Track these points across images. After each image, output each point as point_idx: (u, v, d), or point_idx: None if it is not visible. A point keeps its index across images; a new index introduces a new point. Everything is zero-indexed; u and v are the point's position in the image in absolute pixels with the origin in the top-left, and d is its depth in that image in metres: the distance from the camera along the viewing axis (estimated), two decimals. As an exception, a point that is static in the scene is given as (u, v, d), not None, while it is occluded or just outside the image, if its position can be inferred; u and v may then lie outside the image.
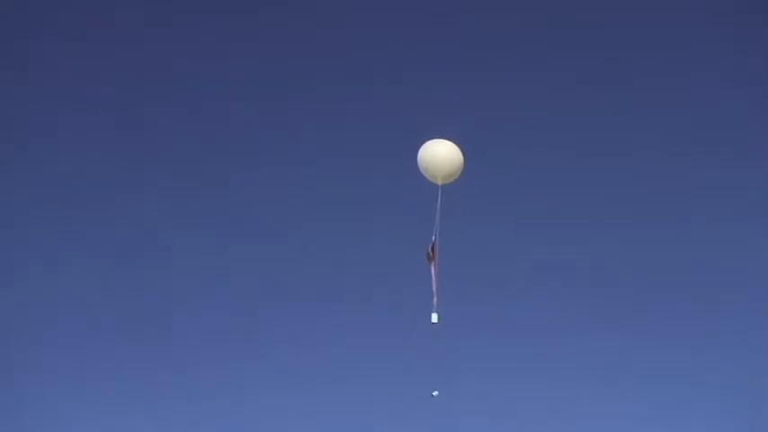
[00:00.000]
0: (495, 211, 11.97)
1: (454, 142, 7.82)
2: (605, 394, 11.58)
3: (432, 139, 7.80)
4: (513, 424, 11.47)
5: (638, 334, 11.64)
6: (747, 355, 11.21)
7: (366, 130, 12.41)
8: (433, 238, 7.34)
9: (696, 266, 11.92)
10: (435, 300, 7.20)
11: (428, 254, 7.31)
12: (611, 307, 11.86)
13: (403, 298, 11.01)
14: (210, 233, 12.40)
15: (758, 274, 11.64)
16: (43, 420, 11.58)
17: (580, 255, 12.04)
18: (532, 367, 11.65)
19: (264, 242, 12.37)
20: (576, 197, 12.19)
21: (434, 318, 7.20)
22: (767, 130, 11.81)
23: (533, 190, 12.23)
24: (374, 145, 12.24)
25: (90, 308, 12.09)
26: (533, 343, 11.69)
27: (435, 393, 7.34)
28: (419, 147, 7.78)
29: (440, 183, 7.65)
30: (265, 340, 12.11)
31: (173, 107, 12.77)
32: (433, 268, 7.26)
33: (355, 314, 12.03)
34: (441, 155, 7.72)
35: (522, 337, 11.72)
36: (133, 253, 12.24)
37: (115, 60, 12.54)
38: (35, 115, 12.31)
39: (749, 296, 11.58)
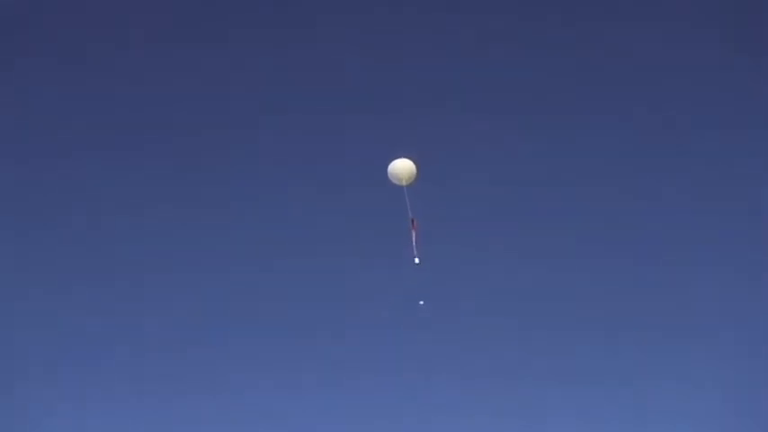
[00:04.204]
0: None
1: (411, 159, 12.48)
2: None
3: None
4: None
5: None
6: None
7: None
8: (410, 216, 11.95)
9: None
10: (415, 251, 11.67)
11: (411, 223, 11.90)
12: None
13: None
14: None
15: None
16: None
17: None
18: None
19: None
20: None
21: (416, 261, 11.60)
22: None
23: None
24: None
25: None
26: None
27: (422, 303, 11.76)
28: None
29: (404, 184, 12.22)
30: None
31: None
32: (413, 232, 11.82)
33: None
34: (401, 167, 12.31)
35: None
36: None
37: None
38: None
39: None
